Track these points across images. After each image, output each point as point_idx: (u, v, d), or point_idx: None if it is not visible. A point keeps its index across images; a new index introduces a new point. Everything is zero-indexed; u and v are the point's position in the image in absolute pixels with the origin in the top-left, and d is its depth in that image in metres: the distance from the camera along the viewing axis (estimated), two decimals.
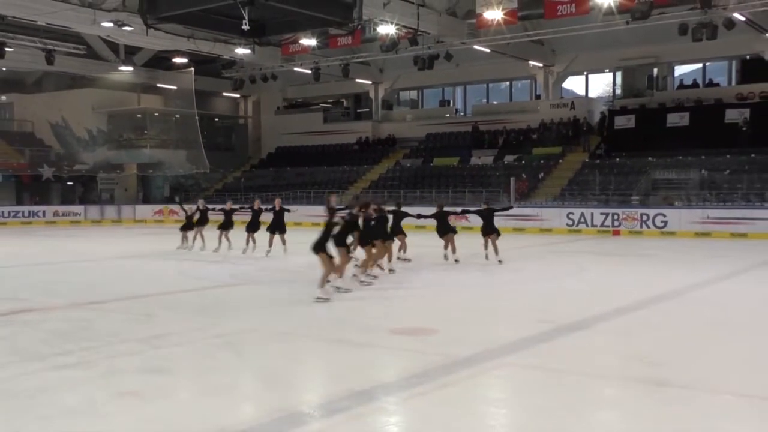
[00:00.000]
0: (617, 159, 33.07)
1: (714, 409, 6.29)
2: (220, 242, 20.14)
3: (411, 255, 17.23)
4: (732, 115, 31.40)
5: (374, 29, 28.40)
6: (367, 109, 45.97)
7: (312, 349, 8.77)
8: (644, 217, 27.14)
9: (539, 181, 33.26)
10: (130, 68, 38.90)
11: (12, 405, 6.41)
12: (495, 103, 43.11)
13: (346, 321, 10.30)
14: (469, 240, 19.76)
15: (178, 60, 38.71)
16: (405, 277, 15.08)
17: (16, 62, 35.53)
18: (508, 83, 42.72)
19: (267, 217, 19.70)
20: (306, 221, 28.06)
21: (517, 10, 25.70)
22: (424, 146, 41.06)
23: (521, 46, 33.66)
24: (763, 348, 8.66)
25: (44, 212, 38.31)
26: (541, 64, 37.67)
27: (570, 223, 28.54)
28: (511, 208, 20.32)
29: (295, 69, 37.63)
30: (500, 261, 16.89)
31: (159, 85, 42.82)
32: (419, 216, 17.36)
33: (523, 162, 35.46)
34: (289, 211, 19.78)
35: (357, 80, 41.73)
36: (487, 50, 33.00)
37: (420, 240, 16.50)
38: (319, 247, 11.76)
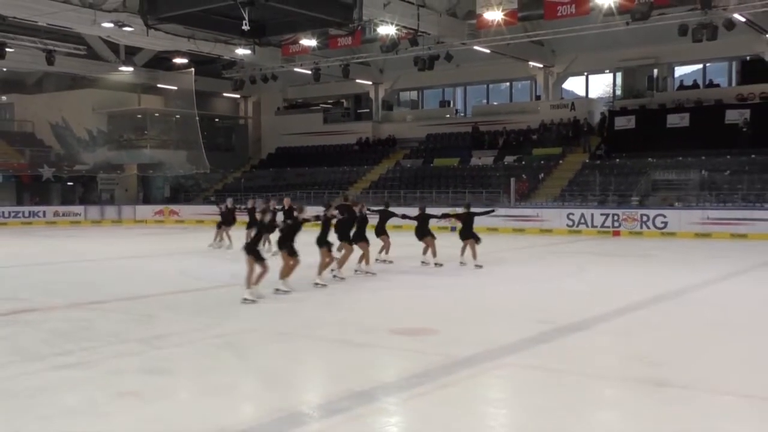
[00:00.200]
0: (617, 160, 33.06)
1: (714, 409, 6.30)
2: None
3: (410, 255, 17.18)
4: (732, 116, 31.40)
5: (374, 30, 28.38)
6: (368, 110, 45.96)
7: (312, 350, 8.77)
8: (644, 218, 27.14)
9: (539, 182, 33.26)
10: (131, 69, 38.89)
11: (12, 405, 6.41)
12: (495, 103, 43.11)
13: (346, 321, 10.30)
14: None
15: (178, 60, 38.72)
16: (404, 277, 15.09)
17: (17, 63, 35.52)
18: (508, 84, 42.71)
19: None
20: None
21: (517, 10, 25.69)
22: (425, 147, 41.07)
23: (521, 47, 33.67)
24: (763, 348, 8.67)
25: (44, 212, 38.30)
26: (541, 65, 37.68)
27: (570, 223, 28.54)
28: (492, 211, 19.40)
29: (296, 69, 37.63)
30: (478, 266, 16.20)
31: (159, 85, 42.81)
32: (404, 216, 17.03)
33: (523, 163, 35.46)
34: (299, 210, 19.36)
35: (357, 81, 41.74)
36: (488, 51, 33.01)
37: (409, 241, 16.40)
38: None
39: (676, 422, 5.93)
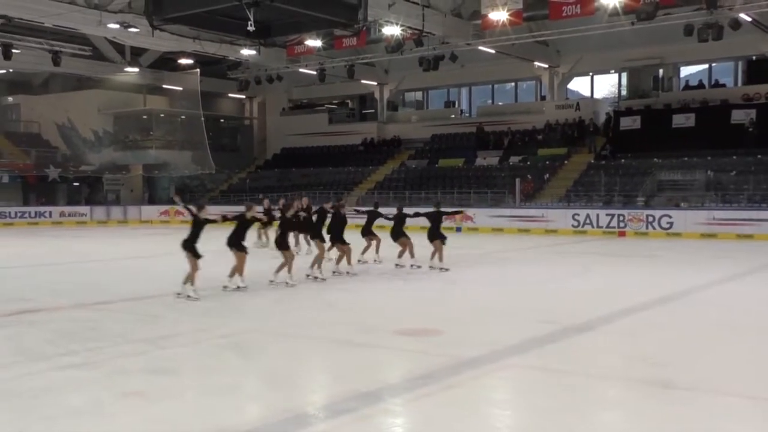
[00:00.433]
0: (623, 160, 33.00)
1: (718, 410, 6.28)
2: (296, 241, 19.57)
3: (408, 255, 16.86)
4: (738, 116, 31.32)
5: (379, 30, 28.37)
6: (373, 110, 45.96)
7: (317, 350, 8.78)
8: (650, 219, 27.08)
9: (544, 182, 33.21)
10: (136, 69, 38.98)
11: (17, 405, 6.43)
12: (500, 104, 43.07)
13: (351, 322, 10.31)
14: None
15: (183, 61, 38.81)
16: (408, 277, 15.07)
17: (23, 64, 35.62)
18: (513, 84, 42.68)
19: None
20: None
21: (522, 10, 25.66)
22: (429, 147, 41.06)
23: (526, 47, 33.64)
24: None
25: (50, 213, 38.44)
26: (546, 65, 37.65)
27: (575, 224, 28.51)
28: (461, 212, 18.85)
29: (301, 70, 37.64)
30: (443, 269, 15.70)
31: (165, 86, 42.92)
32: (385, 217, 16.77)
33: (529, 163, 35.41)
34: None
35: (362, 81, 41.76)
36: (492, 51, 32.99)
37: (423, 241, 16.37)
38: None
39: (680, 423, 5.92)
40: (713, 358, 8.18)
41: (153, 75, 41.18)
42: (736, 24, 25.46)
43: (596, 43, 33.29)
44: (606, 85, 40.63)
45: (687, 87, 35.52)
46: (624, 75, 37.55)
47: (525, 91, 42.84)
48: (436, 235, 16.07)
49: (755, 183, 27.90)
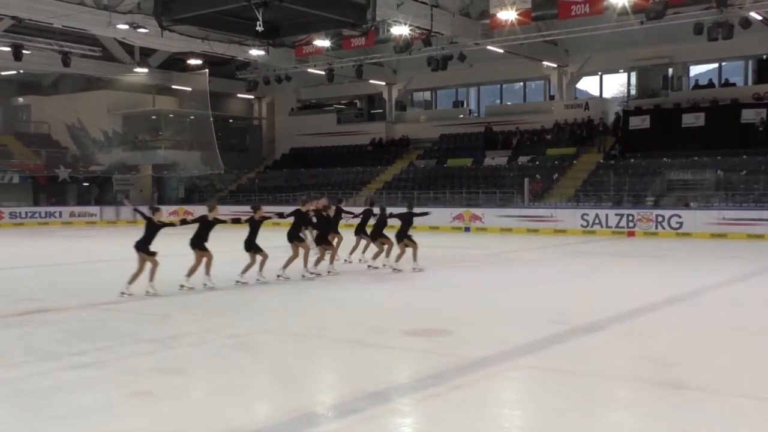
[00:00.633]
0: (632, 160, 32.89)
1: (728, 411, 6.24)
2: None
3: (408, 255, 16.73)
4: (748, 115, 31.15)
5: (388, 30, 28.35)
6: (381, 110, 45.98)
7: (325, 350, 8.78)
8: (659, 218, 26.98)
9: (553, 182, 33.14)
10: (145, 70, 39.12)
11: (27, 404, 6.45)
12: (509, 103, 43.02)
13: (359, 322, 10.30)
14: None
15: (192, 62, 38.91)
16: (416, 277, 15.07)
17: (33, 64, 35.80)
18: (521, 84, 42.62)
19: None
20: None
21: (530, 10, 25.61)
22: (438, 147, 41.03)
23: (535, 47, 33.58)
24: None
25: (60, 213, 38.64)
26: (555, 65, 37.57)
27: (584, 224, 28.43)
28: (428, 213, 18.45)
29: (309, 70, 37.70)
30: (395, 269, 15.55)
31: (174, 86, 43.06)
32: (355, 215, 17.02)
33: (537, 163, 35.34)
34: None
35: (370, 81, 41.77)
36: (501, 51, 32.94)
37: (423, 241, 16.34)
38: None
39: (689, 424, 5.89)
40: (724, 358, 8.14)
41: (162, 75, 41.32)
42: (747, 23, 25.34)
43: (605, 43, 33.19)
44: (615, 85, 40.53)
45: (696, 86, 35.35)
46: (633, 74, 37.43)
47: (534, 90, 42.76)
48: (403, 236, 15.78)
49: (765, 183, 27.73)
